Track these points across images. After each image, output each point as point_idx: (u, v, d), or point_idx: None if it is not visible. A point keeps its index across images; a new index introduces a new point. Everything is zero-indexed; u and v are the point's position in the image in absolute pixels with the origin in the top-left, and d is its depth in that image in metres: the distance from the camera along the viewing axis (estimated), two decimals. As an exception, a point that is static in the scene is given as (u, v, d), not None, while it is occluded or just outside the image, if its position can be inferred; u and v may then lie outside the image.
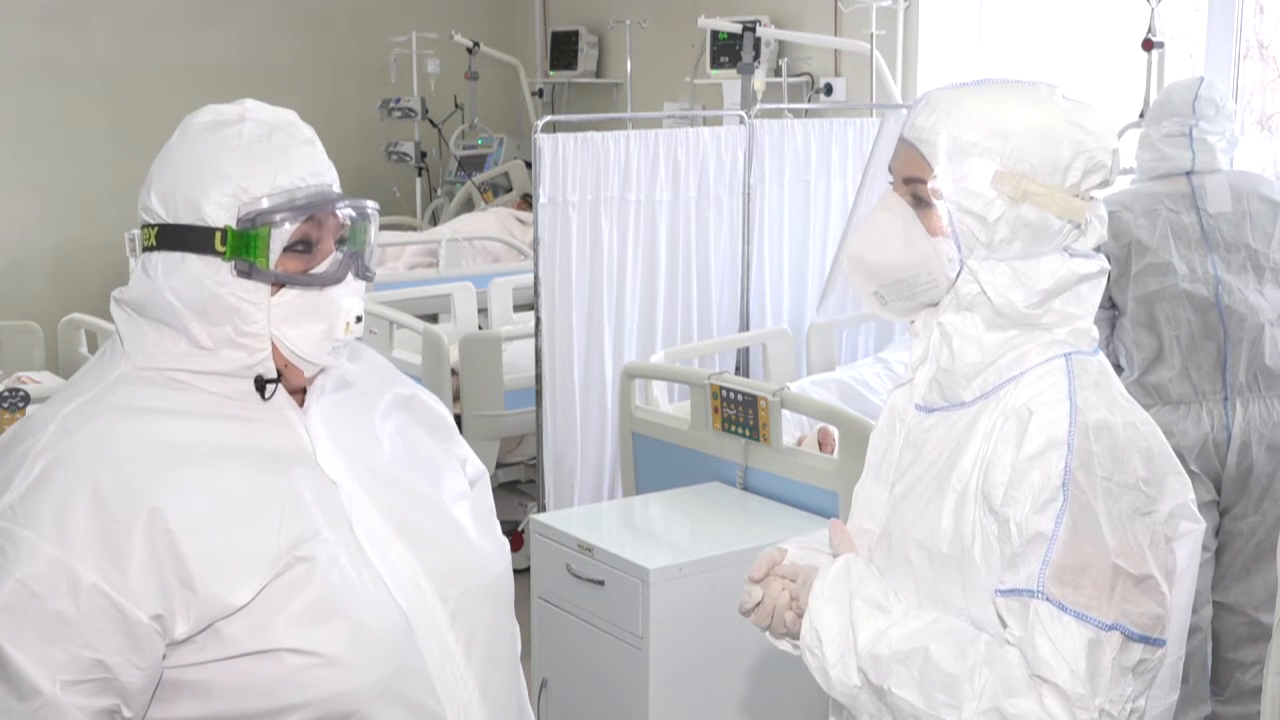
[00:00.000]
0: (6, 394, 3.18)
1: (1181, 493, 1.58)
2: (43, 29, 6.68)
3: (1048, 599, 1.47)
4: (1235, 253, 3.37)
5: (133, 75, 6.86)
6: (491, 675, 1.62)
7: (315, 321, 1.52)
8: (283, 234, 1.48)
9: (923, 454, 1.65)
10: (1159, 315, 3.36)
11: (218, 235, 1.47)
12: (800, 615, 1.66)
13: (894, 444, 1.70)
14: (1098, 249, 1.63)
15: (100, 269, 6.55)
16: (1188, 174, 3.41)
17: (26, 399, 3.19)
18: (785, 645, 1.74)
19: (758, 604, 1.71)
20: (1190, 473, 3.37)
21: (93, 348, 4.68)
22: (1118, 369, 3.38)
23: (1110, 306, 3.46)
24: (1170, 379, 3.36)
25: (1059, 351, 1.60)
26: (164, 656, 1.43)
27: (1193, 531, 1.59)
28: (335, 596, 1.47)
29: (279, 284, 1.50)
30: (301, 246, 1.51)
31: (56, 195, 6.75)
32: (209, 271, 1.48)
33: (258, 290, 1.48)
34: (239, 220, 1.47)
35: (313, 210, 1.50)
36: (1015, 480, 1.52)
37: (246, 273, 1.47)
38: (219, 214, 1.47)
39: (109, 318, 1.57)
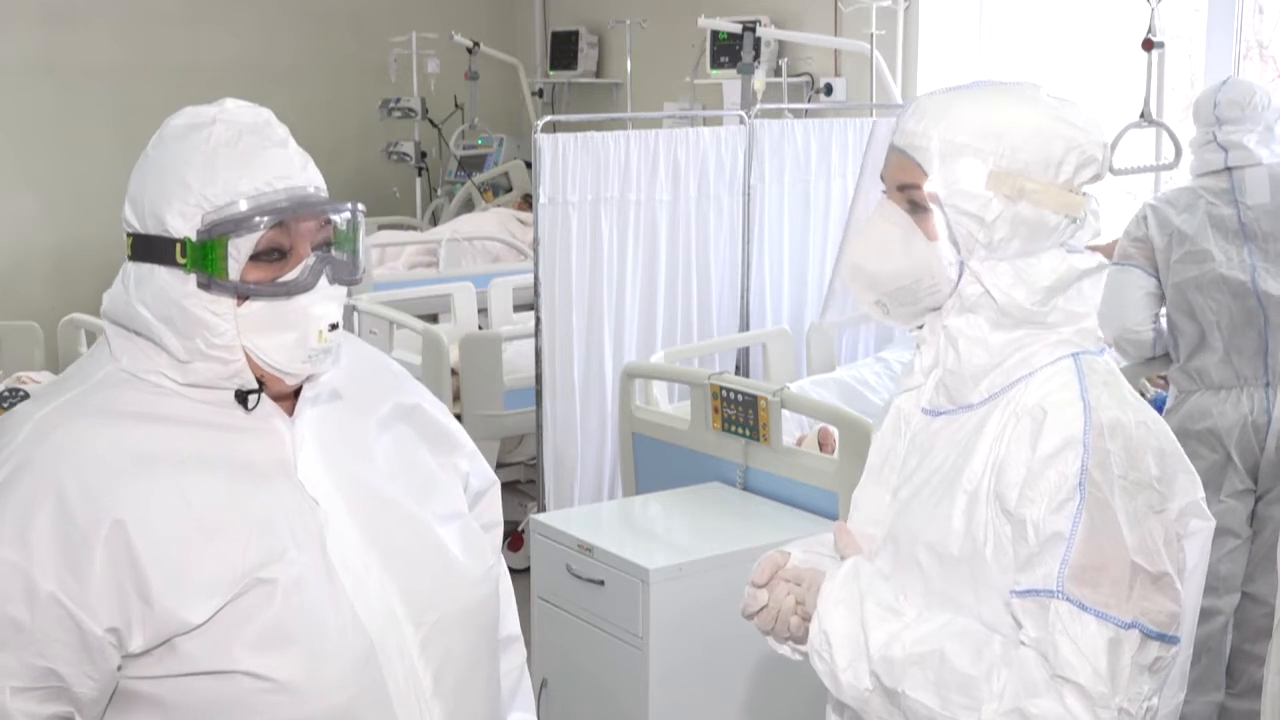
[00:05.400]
0: (6, 394, 3.18)
1: (1192, 490, 1.59)
2: (43, 29, 6.68)
3: (1067, 598, 1.47)
4: (1273, 242, 3.46)
5: (133, 75, 6.85)
6: (461, 706, 1.57)
7: (285, 331, 1.45)
8: (247, 243, 1.42)
9: (929, 457, 1.64)
10: (1196, 302, 3.45)
11: (178, 247, 1.42)
12: (805, 620, 1.65)
13: (897, 448, 1.70)
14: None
15: (100, 269, 6.48)
16: (1228, 169, 3.51)
17: (26, 399, 3.19)
18: (785, 650, 1.73)
19: (762, 608, 1.70)
20: (1228, 459, 3.41)
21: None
22: (1170, 356, 3.56)
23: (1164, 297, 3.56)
24: (1213, 364, 3.46)
25: (1066, 351, 1.60)
26: (120, 668, 1.41)
27: (1203, 529, 1.60)
28: (294, 621, 1.43)
29: (243, 295, 1.44)
30: (275, 254, 1.45)
31: (56, 195, 6.74)
32: (175, 284, 1.43)
33: (222, 302, 1.43)
34: (198, 231, 1.42)
35: (278, 216, 1.43)
36: (1031, 480, 1.52)
37: (206, 285, 1.42)
38: (181, 224, 1.42)
39: (107, 317, 1.55)
